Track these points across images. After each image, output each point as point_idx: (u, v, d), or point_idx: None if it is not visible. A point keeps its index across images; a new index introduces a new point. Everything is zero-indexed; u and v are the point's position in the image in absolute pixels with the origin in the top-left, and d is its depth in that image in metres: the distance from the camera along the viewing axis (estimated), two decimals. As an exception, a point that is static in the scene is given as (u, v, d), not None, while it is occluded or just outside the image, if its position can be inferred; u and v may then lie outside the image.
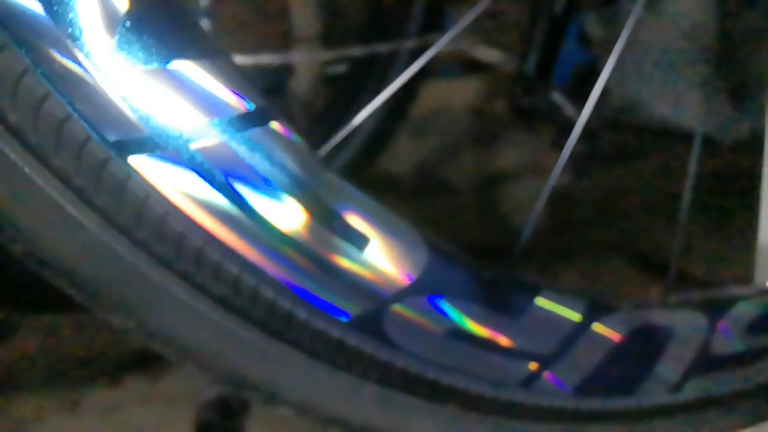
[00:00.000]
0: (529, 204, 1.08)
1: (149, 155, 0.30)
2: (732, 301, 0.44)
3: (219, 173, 0.31)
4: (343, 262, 0.34)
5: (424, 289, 0.36)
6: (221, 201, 0.31)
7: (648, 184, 1.12)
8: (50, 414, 0.69)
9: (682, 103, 1.25)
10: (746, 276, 0.53)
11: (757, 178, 0.53)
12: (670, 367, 0.42)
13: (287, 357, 0.35)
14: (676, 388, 0.42)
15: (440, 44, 0.49)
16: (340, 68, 1.08)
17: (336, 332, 0.35)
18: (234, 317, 0.33)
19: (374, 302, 0.35)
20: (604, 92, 1.35)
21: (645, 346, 0.42)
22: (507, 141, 1.27)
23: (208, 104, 0.31)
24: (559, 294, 0.40)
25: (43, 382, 0.73)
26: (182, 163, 0.31)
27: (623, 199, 1.08)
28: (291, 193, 0.33)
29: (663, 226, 0.99)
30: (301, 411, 0.37)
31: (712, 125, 1.23)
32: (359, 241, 0.35)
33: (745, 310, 0.44)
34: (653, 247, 0.94)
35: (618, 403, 0.41)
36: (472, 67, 1.48)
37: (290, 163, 0.34)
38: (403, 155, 1.20)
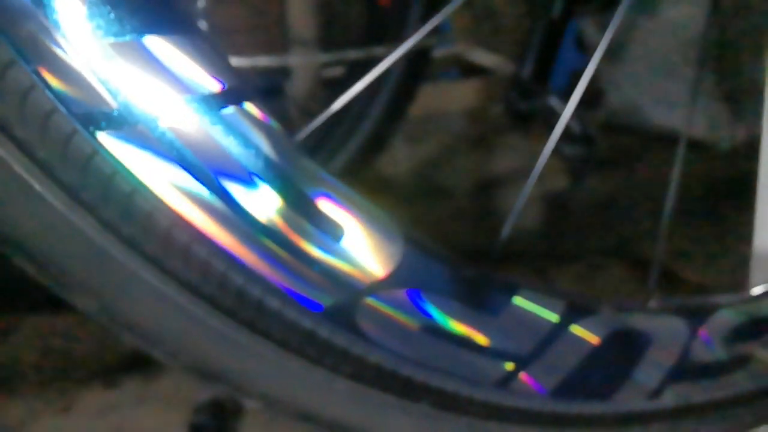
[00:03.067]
0: (526, 208, 1.08)
1: (118, 131, 0.29)
2: (713, 309, 0.44)
3: (190, 153, 0.30)
4: (316, 251, 0.33)
5: (399, 282, 0.35)
6: (191, 182, 0.30)
7: (645, 188, 1.12)
8: (45, 415, 0.69)
9: (679, 108, 1.26)
10: (742, 281, 0.53)
11: (753, 183, 0.53)
12: (648, 373, 0.41)
13: (257, 347, 0.33)
14: (655, 394, 0.41)
15: (409, 45, 0.48)
16: (338, 71, 1.08)
17: (307, 323, 0.33)
18: (202, 304, 0.32)
19: (347, 294, 0.34)
20: (601, 97, 1.36)
21: (624, 350, 0.41)
22: (504, 145, 1.27)
23: (181, 81, 0.30)
24: (538, 294, 0.39)
25: (38, 383, 0.73)
26: (152, 141, 0.29)
27: (620, 204, 1.08)
28: (265, 177, 0.32)
29: (659, 230, 0.99)
30: (269, 404, 0.35)
31: (708, 130, 1.24)
32: (334, 230, 0.34)
33: (725, 318, 0.44)
34: (650, 252, 0.94)
35: (595, 408, 0.40)
36: (469, 71, 1.49)
37: (265, 146, 0.32)
38: (400, 159, 1.20)
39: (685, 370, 0.42)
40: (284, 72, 1.16)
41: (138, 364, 0.73)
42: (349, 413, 0.36)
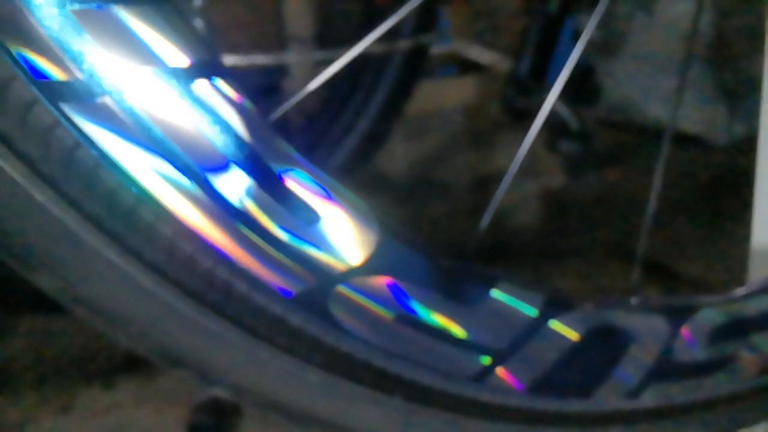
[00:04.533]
0: (524, 204, 1.08)
1: (81, 103, 0.27)
2: (695, 308, 0.43)
3: (156, 127, 0.29)
4: (288, 235, 0.32)
5: (374, 270, 0.34)
6: (157, 158, 0.29)
7: (642, 184, 1.12)
8: (43, 416, 0.69)
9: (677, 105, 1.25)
10: (740, 277, 0.53)
11: (751, 180, 0.53)
12: (628, 371, 0.40)
13: (225, 333, 0.32)
14: (635, 393, 0.40)
15: (370, 41, 0.47)
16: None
17: (277, 309, 0.32)
18: (168, 285, 0.30)
19: (320, 280, 0.32)
20: (598, 92, 1.36)
21: (603, 347, 0.40)
22: (501, 142, 1.27)
23: (148, 53, 0.29)
24: (516, 288, 0.38)
25: (36, 383, 0.72)
26: (117, 113, 0.28)
27: (618, 200, 1.08)
28: (234, 156, 0.30)
29: (660, 228, 0.99)
30: (237, 393, 0.34)
31: (705, 127, 1.24)
32: (307, 214, 0.32)
33: (708, 318, 0.43)
34: (649, 249, 0.94)
35: (574, 406, 0.39)
36: (467, 68, 1.48)
37: (236, 124, 0.31)
38: (397, 155, 1.20)
39: (666, 370, 0.41)
40: (281, 70, 1.16)
41: (137, 364, 0.73)
42: (320, 405, 0.35)
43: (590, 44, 1.26)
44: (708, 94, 1.24)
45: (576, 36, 1.39)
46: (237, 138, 0.31)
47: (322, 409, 0.35)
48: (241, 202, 0.31)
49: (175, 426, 0.67)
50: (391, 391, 0.35)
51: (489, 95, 1.39)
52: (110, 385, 0.72)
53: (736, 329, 0.43)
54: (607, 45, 1.33)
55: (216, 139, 0.30)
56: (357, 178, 0.91)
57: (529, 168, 1.17)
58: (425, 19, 0.89)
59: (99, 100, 0.28)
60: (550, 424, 0.39)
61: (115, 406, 0.70)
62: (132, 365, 0.73)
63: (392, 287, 0.34)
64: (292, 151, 0.33)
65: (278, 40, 1.14)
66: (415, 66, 0.92)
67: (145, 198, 0.29)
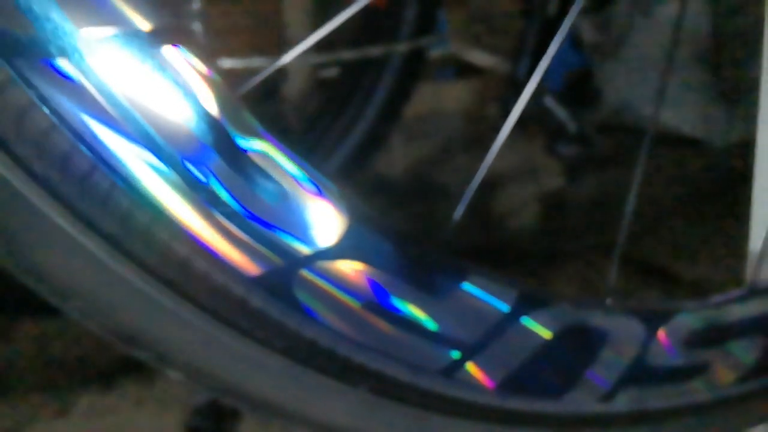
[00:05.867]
0: (523, 207, 1.08)
1: (36, 61, 0.26)
2: (673, 312, 0.42)
3: (115, 91, 0.27)
4: (252, 213, 0.30)
5: (342, 254, 0.32)
6: (116, 121, 0.27)
7: (642, 187, 1.12)
8: (41, 418, 0.69)
9: (675, 106, 1.26)
10: (738, 279, 0.54)
11: (748, 181, 0.53)
12: (601, 374, 0.38)
13: (182, 313, 0.30)
14: (607, 397, 0.39)
15: (301, 51, 0.45)
16: (333, 72, 1.08)
17: (238, 290, 0.30)
18: (123, 259, 0.28)
19: (284, 262, 0.30)
20: (597, 95, 1.36)
21: (577, 347, 0.38)
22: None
23: (109, 12, 0.27)
24: (489, 281, 0.36)
25: (35, 386, 0.72)
26: (75, 73, 0.26)
27: (617, 203, 1.08)
28: (197, 125, 0.29)
29: (656, 230, 0.99)
30: (193, 377, 0.32)
31: (703, 129, 1.24)
32: (273, 192, 0.30)
33: (684, 323, 0.42)
34: (647, 251, 0.94)
35: (544, 407, 0.37)
36: (465, 70, 1.49)
37: (200, 94, 0.29)
38: (396, 158, 1.20)
39: (640, 374, 0.40)
40: (279, 73, 1.16)
41: (135, 366, 0.73)
42: (280, 393, 0.33)
43: (588, 47, 1.26)
44: (706, 96, 1.24)
45: (575, 39, 1.39)
46: (200, 107, 0.29)
47: (282, 397, 0.33)
48: (202, 175, 0.29)
49: (173, 429, 0.67)
50: (356, 383, 0.33)
51: (487, 98, 1.39)
52: (109, 387, 0.72)
53: (713, 336, 0.42)
54: (605, 48, 1.33)
55: (179, 108, 0.29)
56: (356, 180, 0.91)
57: (526, 170, 1.18)
58: (424, 22, 0.89)
59: (56, 58, 0.26)
60: (520, 424, 0.38)
61: (114, 408, 0.70)
62: (131, 368, 0.73)
63: (361, 274, 0.33)
64: (260, 127, 0.31)
65: (276, 43, 1.14)
66: (414, 69, 0.92)
67: (100, 165, 0.27)
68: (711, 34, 1.20)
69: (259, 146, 0.31)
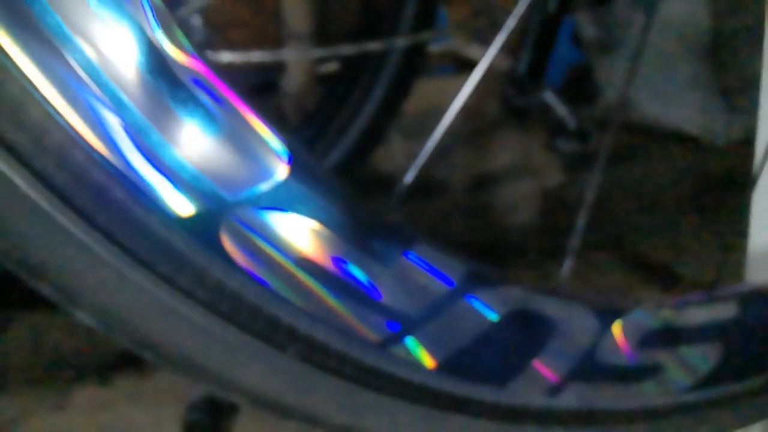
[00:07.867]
0: (522, 204, 1.08)
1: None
2: (628, 308, 0.39)
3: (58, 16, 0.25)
4: (179, 144, 0.27)
5: (278, 202, 0.29)
6: (39, 34, 0.24)
7: (641, 184, 1.12)
8: (38, 413, 0.68)
9: (675, 104, 1.25)
10: (737, 277, 0.53)
11: (749, 179, 0.53)
12: (549, 365, 0.36)
13: (93, 248, 0.27)
14: (554, 391, 0.36)
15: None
16: (332, 66, 1.08)
17: (159, 229, 0.27)
18: (27, 175, 0.25)
19: (212, 204, 0.28)
20: (597, 92, 1.36)
21: (524, 334, 0.35)
22: (499, 141, 1.27)
23: None
24: (436, 253, 0.33)
25: (32, 380, 0.72)
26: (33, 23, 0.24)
27: (617, 200, 1.08)
28: (134, 56, 0.26)
29: (656, 227, 0.99)
30: (103, 321, 0.29)
31: (703, 126, 1.24)
32: (206, 124, 0.27)
33: (639, 322, 0.39)
34: (646, 248, 0.94)
35: (486, 395, 0.34)
36: (465, 66, 1.48)
37: (138, 17, 0.26)
38: (395, 154, 1.20)
39: (590, 370, 0.37)
40: (278, 67, 1.16)
41: (132, 361, 0.73)
42: (198, 350, 0.30)
43: (589, 43, 1.26)
44: (706, 94, 1.24)
45: (574, 35, 1.39)
46: (138, 27, 0.26)
47: (200, 354, 0.30)
48: (126, 92, 0.26)
49: (170, 423, 0.67)
50: (282, 346, 0.30)
51: (487, 94, 1.39)
52: (105, 382, 0.72)
53: (669, 338, 0.40)
54: (605, 44, 1.32)
55: (109, 22, 0.26)
56: (354, 176, 0.91)
57: (526, 167, 1.17)
58: (424, 17, 0.89)
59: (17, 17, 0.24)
60: (458, 410, 0.34)
61: (111, 403, 0.70)
62: (127, 362, 0.73)
63: (298, 227, 0.30)
64: (204, 60, 0.28)
65: (276, 37, 1.14)
66: (414, 64, 0.92)
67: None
68: (712, 31, 1.20)
69: (197, 74, 0.28)
